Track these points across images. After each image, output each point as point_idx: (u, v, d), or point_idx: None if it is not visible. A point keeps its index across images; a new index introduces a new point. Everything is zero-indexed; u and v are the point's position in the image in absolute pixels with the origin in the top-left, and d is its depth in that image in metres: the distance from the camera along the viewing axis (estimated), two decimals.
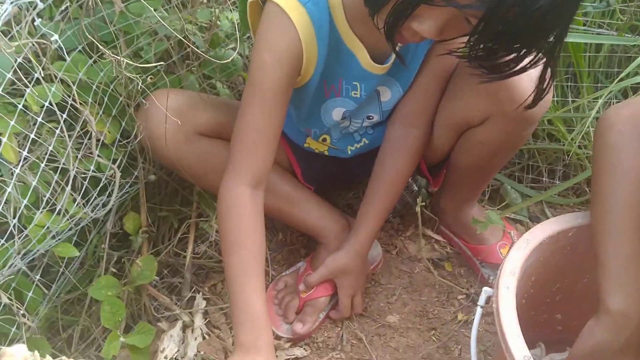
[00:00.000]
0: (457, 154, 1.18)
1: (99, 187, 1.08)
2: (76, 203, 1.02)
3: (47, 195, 0.95)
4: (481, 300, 0.94)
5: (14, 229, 0.90)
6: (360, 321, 1.28)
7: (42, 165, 0.94)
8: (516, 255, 0.89)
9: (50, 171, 0.99)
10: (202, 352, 1.16)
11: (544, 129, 1.49)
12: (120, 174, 1.08)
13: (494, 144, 1.10)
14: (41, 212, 0.95)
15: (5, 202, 0.90)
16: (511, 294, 0.84)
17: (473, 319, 1.26)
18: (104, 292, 1.11)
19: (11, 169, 0.91)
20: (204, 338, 1.22)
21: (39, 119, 0.91)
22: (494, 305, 0.85)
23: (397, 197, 1.22)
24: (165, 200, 1.34)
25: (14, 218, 0.93)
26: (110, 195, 1.13)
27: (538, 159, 1.52)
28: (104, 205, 1.12)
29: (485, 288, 0.93)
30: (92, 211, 1.09)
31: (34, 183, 0.92)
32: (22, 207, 0.90)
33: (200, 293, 1.28)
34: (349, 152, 1.26)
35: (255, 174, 1.03)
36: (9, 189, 0.87)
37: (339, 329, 1.27)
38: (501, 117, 1.03)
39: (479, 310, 0.94)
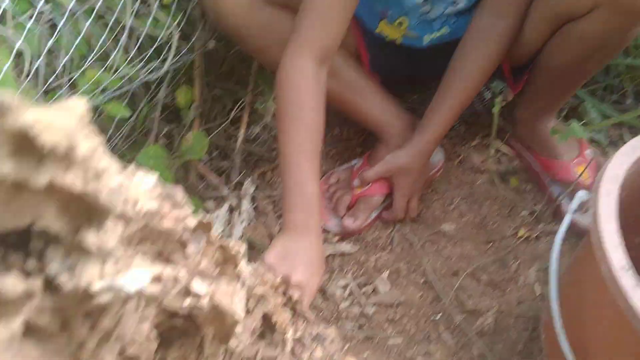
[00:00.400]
0: (548, 52, 1.06)
1: (154, 47, 1.00)
2: (129, 57, 0.95)
3: (100, 41, 0.88)
4: (573, 206, 0.84)
5: (63, 71, 0.84)
6: (412, 226, 1.21)
7: (97, 7, 0.86)
8: (620, 161, 0.78)
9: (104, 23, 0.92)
10: (247, 235, 1.11)
11: (636, 46, 1.35)
12: (178, 34, 1.00)
13: (594, 42, 0.98)
14: (91, 59, 0.89)
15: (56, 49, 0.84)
16: (613, 200, 0.74)
17: (535, 237, 1.18)
18: (152, 162, 1.06)
19: (64, 11, 0.84)
20: (249, 223, 1.17)
21: None
22: (591, 211, 0.75)
23: (473, 96, 1.11)
24: (221, 78, 1.26)
25: (64, 65, 0.86)
26: (164, 60, 1.06)
27: (624, 78, 1.38)
28: (158, 69, 1.05)
29: (579, 192, 0.84)
30: (146, 73, 1.03)
31: (87, 25, 0.85)
32: (74, 47, 0.83)
33: (250, 178, 1.22)
34: (425, 42, 1.15)
35: (323, 48, 0.94)
36: (60, 26, 0.80)
37: (390, 230, 1.21)
38: (610, 7, 0.90)
39: (568, 217, 0.85)
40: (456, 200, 1.24)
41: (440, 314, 1.09)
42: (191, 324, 0.63)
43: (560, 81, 1.10)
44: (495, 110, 1.08)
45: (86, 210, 0.34)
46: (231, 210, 1.18)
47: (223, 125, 1.22)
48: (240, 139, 1.21)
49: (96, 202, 0.33)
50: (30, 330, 0.38)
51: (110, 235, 0.35)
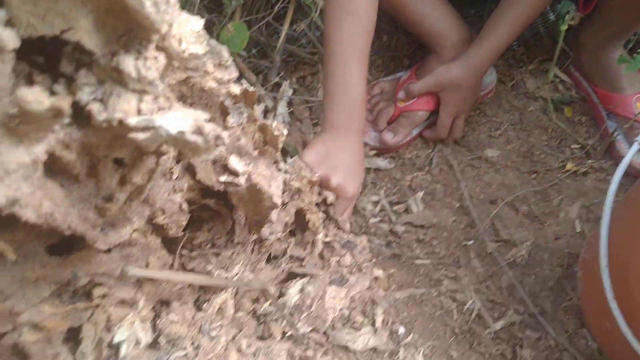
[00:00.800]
0: None
1: None
2: None
3: None
4: None
5: None
6: (454, 148, 1.15)
7: None
8: None
9: None
10: None
11: None
12: None
13: None
14: None
15: None
16: None
17: (583, 172, 1.12)
18: None
19: None
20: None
21: None
22: None
23: (537, 14, 1.02)
24: None
25: None
26: None
27: None
28: None
29: None
30: None
31: None
32: None
33: (288, 81, 1.16)
34: None
35: None
36: None
37: (430, 150, 1.15)
38: None
39: (634, 147, 0.78)
40: (504, 126, 1.17)
41: (473, 241, 1.05)
42: (224, 208, 0.59)
43: (635, 6, 1.00)
44: (563, 28, 0.99)
45: (124, 33, 0.29)
46: (266, 112, 1.13)
47: (266, 19, 1.14)
48: (282, 37, 1.14)
49: (138, 12, 0.28)
50: (55, 171, 0.34)
51: (151, 64, 0.30)
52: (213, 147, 0.36)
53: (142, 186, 0.39)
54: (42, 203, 0.30)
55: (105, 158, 0.35)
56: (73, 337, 0.48)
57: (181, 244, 0.57)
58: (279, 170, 0.61)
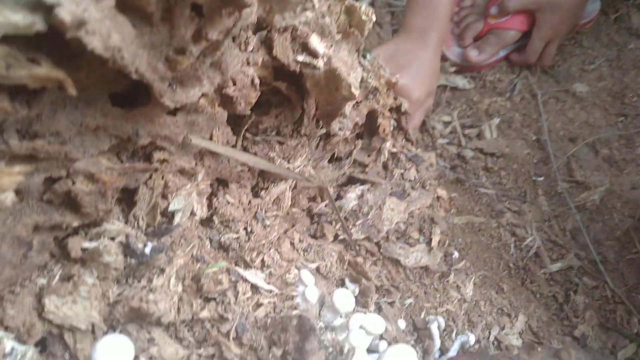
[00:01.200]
0: None
1: None
2: None
3: None
4: None
5: None
6: (541, 77, 1.07)
7: None
8: None
9: None
10: None
11: None
12: None
13: None
14: None
15: None
16: None
17: None
18: None
19: None
20: None
21: None
22: None
23: None
24: None
25: None
26: None
27: None
28: None
29: None
30: None
31: None
32: None
33: None
34: None
35: None
36: None
37: (515, 76, 1.07)
38: None
39: None
40: (599, 61, 1.07)
41: (543, 177, 0.99)
42: (295, 94, 0.55)
43: None
44: None
45: None
46: None
47: None
48: None
49: None
50: (128, 8, 0.31)
51: None
52: (302, 7, 0.32)
53: (217, 42, 0.35)
54: (111, 34, 0.27)
55: (183, 1, 0.31)
56: (127, 199, 0.47)
57: (246, 126, 0.54)
58: (360, 64, 0.56)
